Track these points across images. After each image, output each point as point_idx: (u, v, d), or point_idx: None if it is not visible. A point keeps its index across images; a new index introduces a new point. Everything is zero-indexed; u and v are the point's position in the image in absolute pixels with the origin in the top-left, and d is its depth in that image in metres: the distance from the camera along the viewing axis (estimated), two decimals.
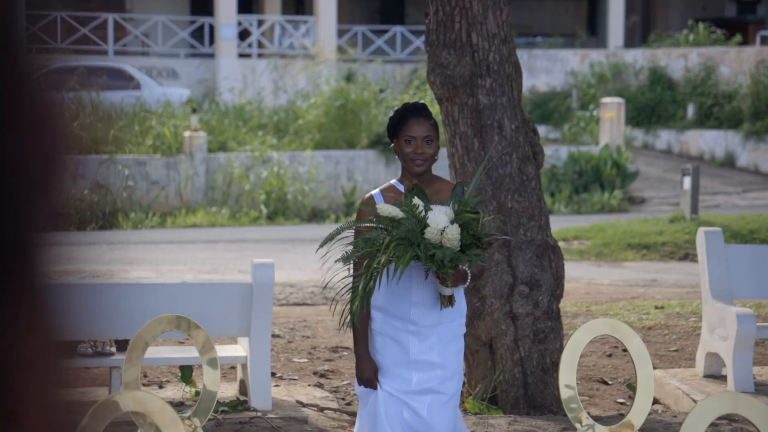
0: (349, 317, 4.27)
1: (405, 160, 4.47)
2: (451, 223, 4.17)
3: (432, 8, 6.75)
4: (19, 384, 0.63)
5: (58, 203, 0.65)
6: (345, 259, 4.19)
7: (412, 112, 4.50)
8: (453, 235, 4.12)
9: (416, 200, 4.23)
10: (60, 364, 0.70)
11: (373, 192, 4.54)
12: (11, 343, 0.63)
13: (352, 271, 4.27)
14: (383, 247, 4.13)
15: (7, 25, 0.62)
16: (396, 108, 4.62)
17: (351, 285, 4.24)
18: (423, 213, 4.19)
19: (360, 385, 4.50)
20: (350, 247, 4.27)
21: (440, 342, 4.44)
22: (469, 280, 4.34)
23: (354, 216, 4.72)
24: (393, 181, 4.58)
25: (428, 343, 4.43)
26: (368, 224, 4.30)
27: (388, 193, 4.50)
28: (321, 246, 4.20)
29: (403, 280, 4.29)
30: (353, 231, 4.39)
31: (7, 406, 0.64)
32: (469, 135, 6.68)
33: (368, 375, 4.45)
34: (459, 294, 4.49)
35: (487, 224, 4.32)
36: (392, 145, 4.55)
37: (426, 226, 4.15)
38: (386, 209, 4.22)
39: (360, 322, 4.41)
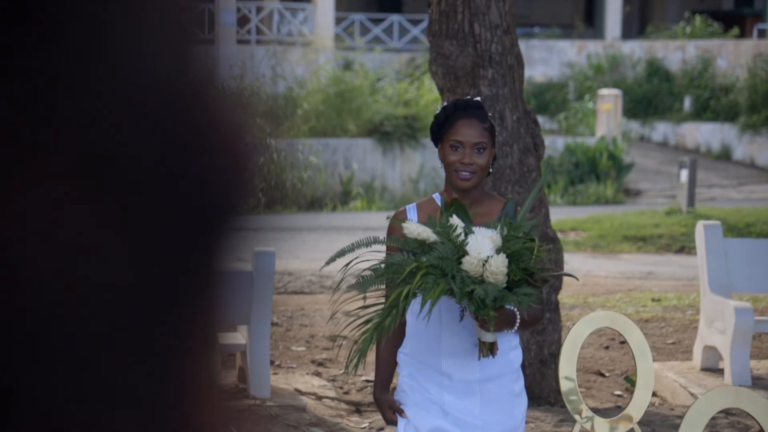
0: (356, 359, 3.36)
1: (448, 171, 3.55)
2: (497, 252, 3.25)
3: None
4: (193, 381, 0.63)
5: (249, 186, 0.66)
6: (360, 287, 3.30)
7: (464, 110, 3.58)
8: (499, 268, 3.19)
9: (454, 219, 3.32)
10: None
11: (408, 206, 3.66)
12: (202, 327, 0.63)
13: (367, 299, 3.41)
14: (407, 276, 3.23)
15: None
16: (444, 105, 3.71)
17: (366, 317, 3.35)
18: (462, 237, 3.28)
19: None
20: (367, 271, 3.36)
21: (484, 405, 3.56)
22: (517, 324, 3.41)
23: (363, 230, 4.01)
24: (434, 195, 3.67)
25: (469, 402, 3.55)
26: (393, 244, 3.44)
27: (425, 209, 3.61)
28: (328, 263, 3.32)
29: (430, 324, 3.38)
30: (374, 247, 3.45)
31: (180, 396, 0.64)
32: None
33: (389, 416, 3.64)
34: (509, 341, 3.58)
35: (544, 256, 3.36)
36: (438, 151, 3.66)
37: (464, 254, 3.23)
38: (414, 229, 3.31)
39: (378, 362, 3.68)
